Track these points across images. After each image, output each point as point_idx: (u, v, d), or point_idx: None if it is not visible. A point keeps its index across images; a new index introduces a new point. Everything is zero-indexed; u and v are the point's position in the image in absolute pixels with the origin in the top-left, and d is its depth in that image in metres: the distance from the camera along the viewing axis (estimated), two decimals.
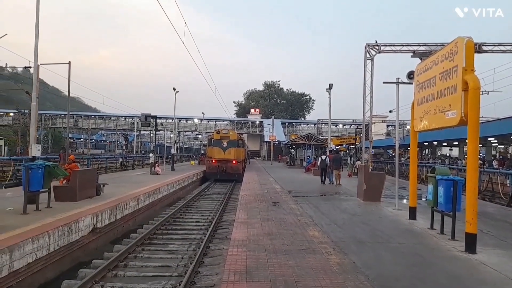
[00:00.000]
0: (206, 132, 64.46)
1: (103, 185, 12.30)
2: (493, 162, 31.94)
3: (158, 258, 8.16)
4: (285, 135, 63.68)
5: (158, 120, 32.51)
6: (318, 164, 20.43)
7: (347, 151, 47.04)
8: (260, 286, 4.62)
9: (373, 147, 39.29)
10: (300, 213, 9.71)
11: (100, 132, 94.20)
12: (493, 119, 37.21)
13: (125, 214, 11.09)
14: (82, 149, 70.55)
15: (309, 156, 34.13)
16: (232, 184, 23.22)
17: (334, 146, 40.96)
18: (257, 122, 70.35)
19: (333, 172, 18.91)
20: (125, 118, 68.44)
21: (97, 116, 72.47)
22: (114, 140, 78.10)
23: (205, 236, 9.66)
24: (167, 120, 60.59)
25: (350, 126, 66.68)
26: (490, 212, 10.93)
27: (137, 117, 55.04)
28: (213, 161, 25.70)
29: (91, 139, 76.16)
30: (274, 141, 48.75)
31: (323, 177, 19.04)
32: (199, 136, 70.36)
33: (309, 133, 41.80)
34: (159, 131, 41.25)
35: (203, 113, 52.99)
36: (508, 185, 17.64)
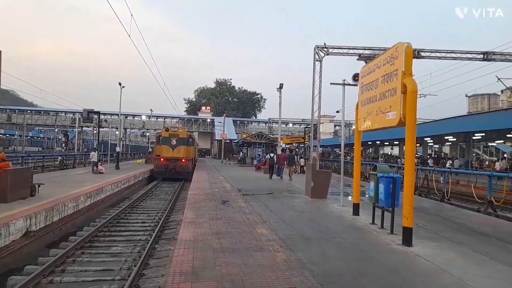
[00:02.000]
0: (155, 130, 62.47)
1: (39, 185, 11.39)
2: (429, 160, 34.44)
3: (99, 262, 7.73)
4: (236, 133, 63.78)
5: (102, 116, 30.90)
6: (268, 161, 23.08)
7: (297, 149, 48.21)
8: (206, 286, 4.53)
9: (321, 146, 40.68)
10: (249, 211, 9.73)
11: (37, 128, 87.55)
12: (429, 120, 40.21)
13: (63, 216, 10.37)
14: (16, 146, 65.04)
15: (259, 154, 34.46)
16: (181, 183, 22.73)
17: (284, 145, 41.81)
18: (208, 120, 69.68)
19: (282, 169, 21.53)
20: (65, 114, 64.31)
21: (33, 111, 67.19)
22: (53, 137, 73.00)
23: (151, 237, 9.33)
24: (112, 117, 57.80)
25: (299, 125, 68.35)
26: (425, 207, 11.75)
27: (78, 112, 51.93)
28: (161, 159, 24.98)
29: (27, 136, 70.39)
30: (225, 140, 48.57)
31: (271, 172, 21.46)
32: (147, 134, 68.00)
33: (260, 132, 42.22)
34: (103, 128, 39.20)
35: (151, 109, 51.18)
36: (441, 182, 19.10)
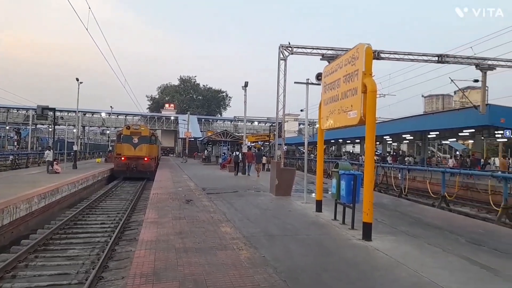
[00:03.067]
0: (115, 128, 60.40)
1: None
2: (388, 158, 35.87)
3: (54, 266, 7.36)
4: (201, 131, 63.11)
5: (58, 113, 29.41)
6: (233, 159, 24.13)
7: (262, 148, 48.45)
8: (168, 287, 4.43)
9: (285, 144, 41.14)
10: (214, 210, 9.64)
11: None
12: (388, 119, 41.90)
13: (15, 218, 9.77)
14: None
15: (224, 153, 34.30)
16: (143, 183, 22.16)
17: (249, 143, 41.87)
18: (172, 118, 68.35)
19: (250, 166, 22.78)
20: (17, 110, 60.61)
21: None
22: (3, 134, 68.48)
23: (110, 239, 9.02)
24: (70, 114, 55.27)
25: (265, 124, 68.82)
26: (384, 203, 12.20)
27: (32, 109, 49.10)
28: (122, 158, 24.22)
29: None
30: (189, 138, 47.90)
31: (236, 170, 22.42)
32: (107, 132, 65.57)
33: (225, 130, 42.06)
34: (59, 125, 37.33)
35: (111, 107, 49.49)
36: (399, 178, 19.94)
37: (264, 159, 26.29)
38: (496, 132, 28.45)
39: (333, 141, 51.95)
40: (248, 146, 26.75)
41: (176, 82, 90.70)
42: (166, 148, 67.49)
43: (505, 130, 24.34)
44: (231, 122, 71.41)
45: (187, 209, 9.73)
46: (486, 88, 22.98)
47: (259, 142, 47.94)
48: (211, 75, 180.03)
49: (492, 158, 38.55)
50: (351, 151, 58.11)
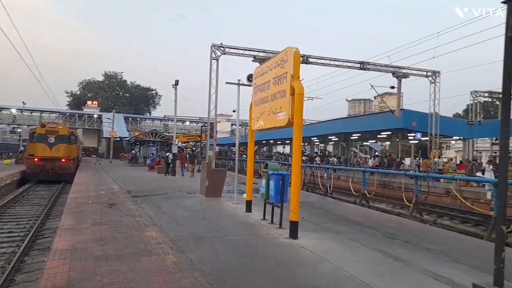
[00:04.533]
0: (28, 126, 54.62)
1: None
2: (317, 158, 37.61)
3: None
4: (128, 131, 59.98)
5: None
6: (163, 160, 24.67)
7: (194, 148, 47.65)
8: None
9: (217, 145, 40.92)
10: (139, 214, 9.15)
11: None
12: (316, 121, 44.00)
13: None
14: None
15: (153, 153, 33.01)
16: (60, 186, 20.35)
17: (180, 143, 40.88)
18: (95, 116, 63.77)
19: (183, 167, 23.37)
20: None
21: None
22: None
23: (19, 249, 8.07)
24: None
25: (197, 124, 67.67)
26: (311, 201, 12.71)
27: None
28: (36, 159, 21.96)
29: None
30: (115, 137, 45.19)
31: (167, 171, 22.79)
32: (18, 130, 58.98)
33: (154, 130, 40.46)
34: None
35: (23, 102, 44.68)
36: (325, 177, 20.97)
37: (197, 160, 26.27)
38: (409, 134, 31.51)
39: (264, 142, 53.12)
40: (179, 147, 26.40)
41: (100, 78, 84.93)
42: (88, 149, 62.95)
43: (416, 133, 27.07)
44: (161, 121, 68.81)
45: (110, 214, 9.11)
46: (401, 94, 25.29)
47: (191, 143, 47.12)
48: (140, 72, 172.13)
49: (406, 158, 42.60)
50: (281, 152, 59.94)
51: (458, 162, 30.75)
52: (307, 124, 45.13)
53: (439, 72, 23.96)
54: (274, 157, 48.41)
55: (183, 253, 5.81)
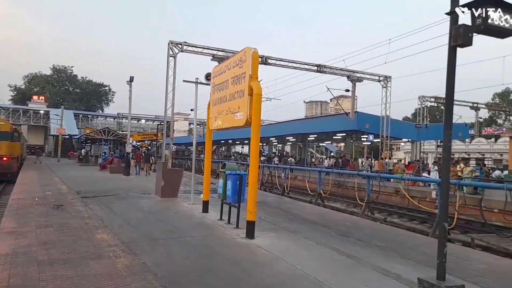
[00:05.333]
0: None
1: None
2: (275, 158, 38.05)
3: None
4: (78, 128, 57.08)
5: None
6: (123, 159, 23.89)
7: (149, 147, 46.35)
8: None
9: (175, 144, 40.06)
10: (89, 216, 8.71)
11: None
12: (274, 122, 44.55)
13: None
14: None
15: (105, 152, 31.67)
16: (2, 186, 18.90)
17: (134, 142, 39.57)
18: (42, 112, 60.02)
19: (138, 166, 23.13)
20: None
21: None
22: None
23: None
24: None
25: (153, 122, 65.83)
26: (269, 201, 12.81)
27: None
28: None
29: None
30: (63, 135, 42.75)
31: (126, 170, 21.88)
32: None
33: (107, 128, 38.77)
34: None
35: None
36: (283, 177, 21.27)
37: (152, 160, 25.71)
38: (362, 136, 32.85)
39: (223, 141, 52.86)
40: (134, 146, 25.64)
41: (48, 72, 80.00)
42: (34, 147, 59.16)
43: (369, 135, 28.29)
44: (114, 119, 66.09)
45: (56, 216, 8.58)
46: (356, 97, 26.31)
47: (146, 142, 45.79)
48: (92, 68, 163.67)
49: (359, 159, 44.38)
50: (240, 152, 59.99)
51: (406, 163, 32.57)
52: (266, 125, 45.63)
53: (390, 77, 25.23)
54: (233, 157, 48.39)
55: (135, 256, 5.60)
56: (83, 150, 38.65)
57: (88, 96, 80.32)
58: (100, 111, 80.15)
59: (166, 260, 5.51)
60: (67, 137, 47.71)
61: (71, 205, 10.23)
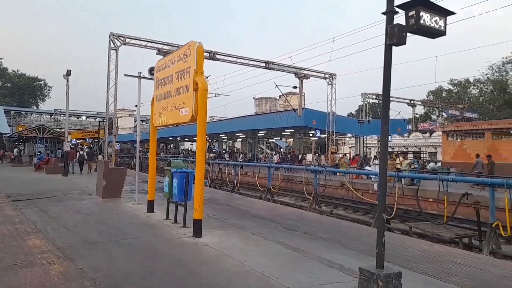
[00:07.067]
0: None
1: None
2: (226, 155, 37.84)
3: None
4: (9, 125, 52.35)
5: None
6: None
7: (91, 145, 43.91)
8: None
9: (119, 142, 38.30)
10: (20, 221, 7.99)
11: None
12: (224, 118, 44.26)
13: None
14: None
15: (40, 151, 29.43)
16: None
17: (74, 140, 37.25)
18: None
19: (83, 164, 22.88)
20: None
21: None
22: None
23: None
24: None
25: (95, 119, 62.35)
26: (218, 198, 12.68)
27: None
28: None
29: None
30: None
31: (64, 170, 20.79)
32: None
33: (43, 125, 35.99)
34: None
35: None
36: (233, 174, 21.23)
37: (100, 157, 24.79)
38: (310, 131, 33.78)
39: (171, 138, 51.53)
40: (73, 144, 24.18)
41: None
42: None
43: (316, 130, 29.16)
44: (51, 115, 61.33)
45: None
46: (303, 94, 26.92)
47: (87, 140, 43.35)
48: (25, 59, 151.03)
49: (308, 154, 45.62)
50: (189, 149, 58.93)
51: (351, 157, 34.08)
52: (216, 121, 45.27)
53: (335, 74, 26.14)
54: (182, 154, 47.41)
55: (72, 262, 5.22)
56: (15, 150, 35.56)
57: (21, 91, 73.69)
58: (35, 107, 74.20)
59: (105, 264, 5.20)
60: None
61: None
